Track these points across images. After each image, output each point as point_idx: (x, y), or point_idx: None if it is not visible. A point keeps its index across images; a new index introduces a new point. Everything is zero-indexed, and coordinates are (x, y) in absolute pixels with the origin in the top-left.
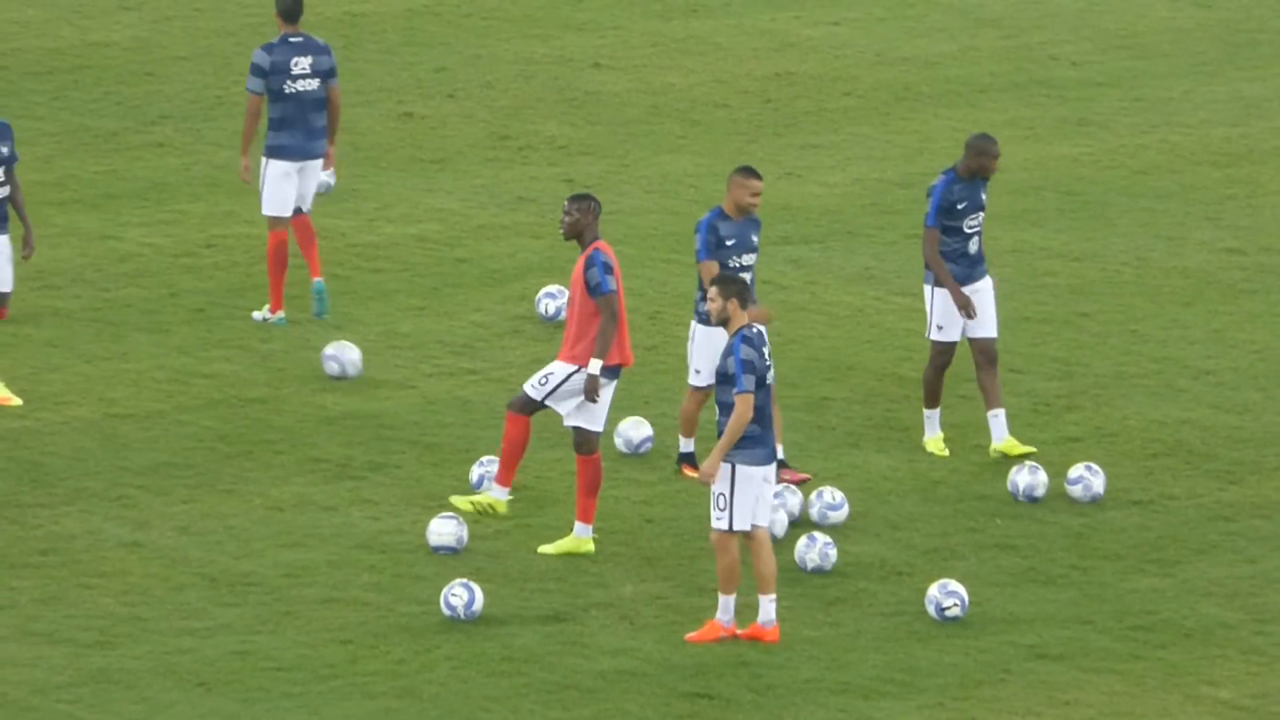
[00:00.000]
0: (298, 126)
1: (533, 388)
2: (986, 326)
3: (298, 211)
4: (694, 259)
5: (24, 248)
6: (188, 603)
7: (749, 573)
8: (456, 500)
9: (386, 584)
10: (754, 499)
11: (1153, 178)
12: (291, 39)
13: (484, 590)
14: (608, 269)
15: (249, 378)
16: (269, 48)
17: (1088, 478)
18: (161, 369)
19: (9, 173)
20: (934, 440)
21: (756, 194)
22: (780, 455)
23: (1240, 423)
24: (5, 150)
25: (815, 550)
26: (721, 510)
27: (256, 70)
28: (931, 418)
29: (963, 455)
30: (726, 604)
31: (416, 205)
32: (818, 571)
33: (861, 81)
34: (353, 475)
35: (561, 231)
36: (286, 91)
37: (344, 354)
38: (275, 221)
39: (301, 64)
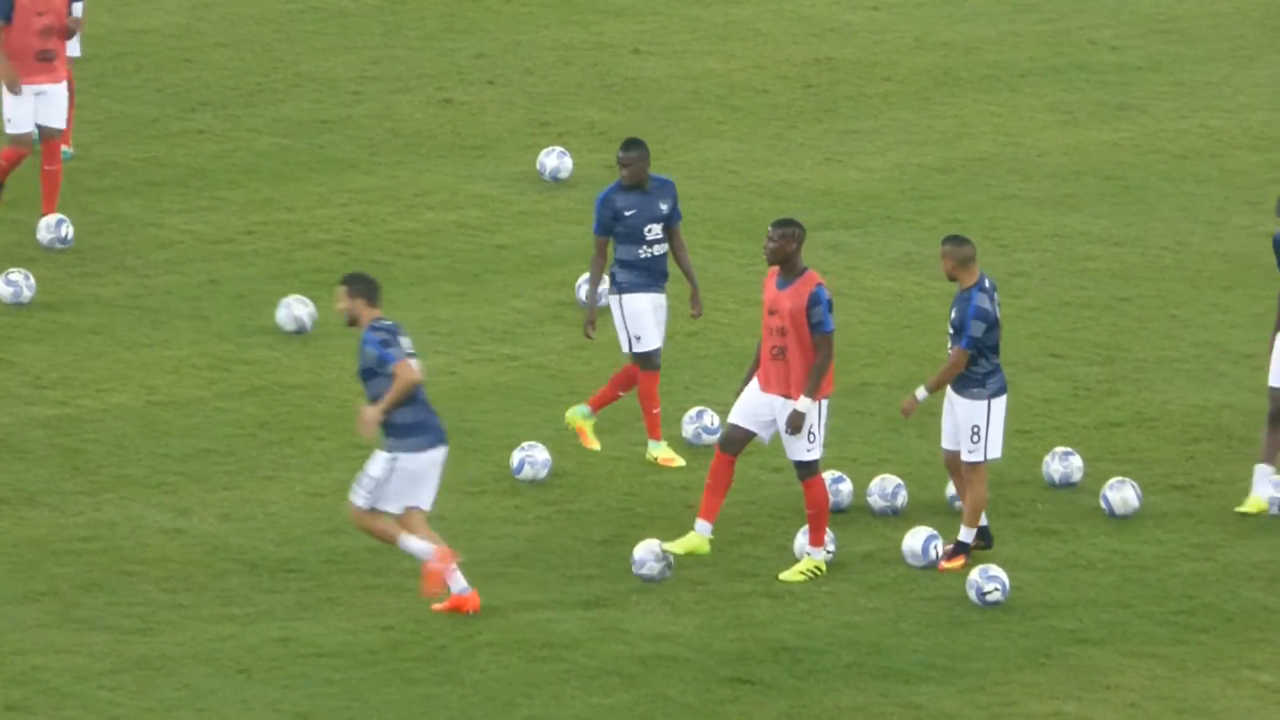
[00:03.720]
0: None
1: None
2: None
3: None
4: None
5: (693, 306)
6: (229, 589)
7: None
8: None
9: None
10: (414, 484)
11: (1193, 162)
12: None
13: (524, 576)
14: (831, 308)
15: (290, 364)
16: None
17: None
18: (202, 356)
19: (669, 230)
20: (1253, 501)
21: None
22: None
23: None
24: (665, 208)
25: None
26: (365, 489)
27: None
28: (1259, 474)
29: (1005, 441)
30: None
31: (456, 192)
32: (835, 509)
33: (901, 66)
34: None
35: (765, 256)
36: None
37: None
38: None
39: None
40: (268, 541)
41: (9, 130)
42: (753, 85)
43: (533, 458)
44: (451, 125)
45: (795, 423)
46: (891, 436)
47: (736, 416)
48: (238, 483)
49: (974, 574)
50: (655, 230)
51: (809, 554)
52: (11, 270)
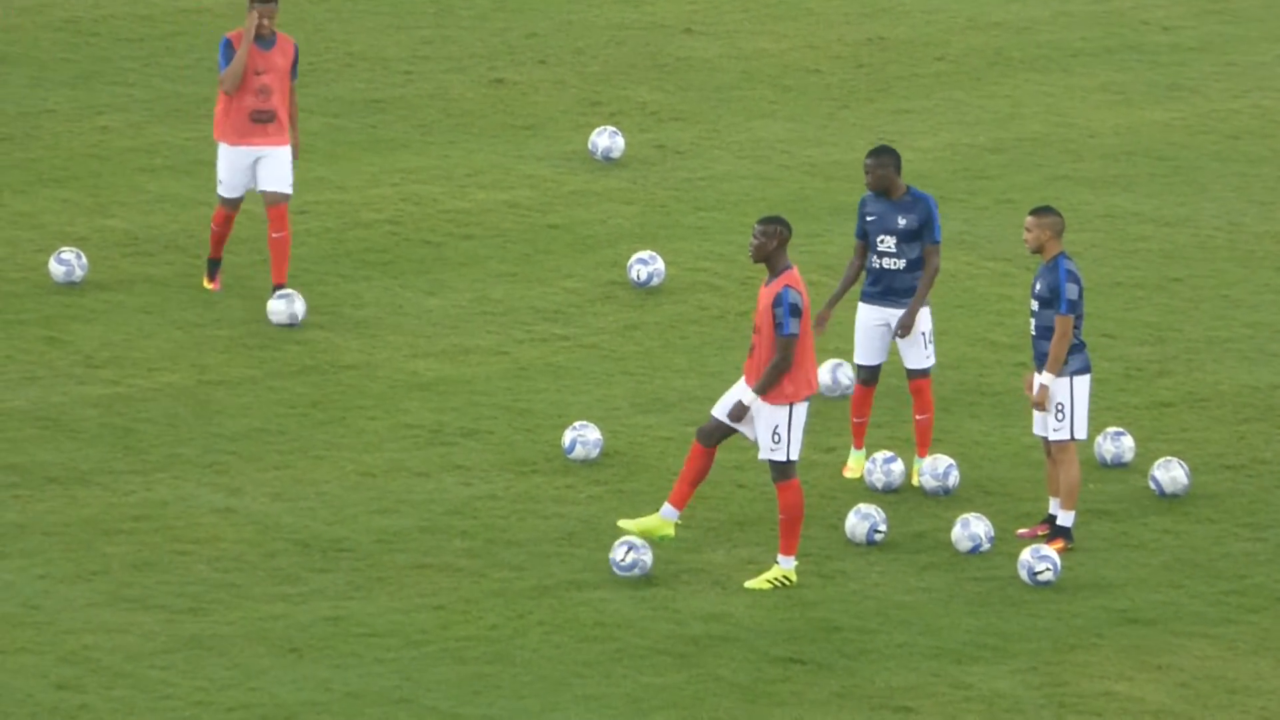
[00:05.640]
0: None
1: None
2: None
3: None
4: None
5: (900, 320)
6: (280, 568)
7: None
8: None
9: (479, 550)
10: None
11: (1245, 143)
12: None
13: (575, 556)
14: (794, 311)
15: (341, 344)
16: None
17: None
18: (254, 335)
19: (924, 250)
20: None
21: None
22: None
23: None
24: (904, 223)
25: (878, 469)
26: None
27: None
28: None
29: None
30: None
31: (508, 171)
32: (887, 490)
33: (953, 46)
34: (445, 441)
35: (750, 255)
36: None
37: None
38: None
39: None
40: (319, 521)
41: (220, 193)
42: (805, 65)
43: (585, 437)
44: (503, 105)
45: (735, 412)
46: (943, 416)
47: (715, 409)
48: (289, 462)
49: (1025, 554)
50: (889, 242)
51: (778, 562)
52: (64, 249)
